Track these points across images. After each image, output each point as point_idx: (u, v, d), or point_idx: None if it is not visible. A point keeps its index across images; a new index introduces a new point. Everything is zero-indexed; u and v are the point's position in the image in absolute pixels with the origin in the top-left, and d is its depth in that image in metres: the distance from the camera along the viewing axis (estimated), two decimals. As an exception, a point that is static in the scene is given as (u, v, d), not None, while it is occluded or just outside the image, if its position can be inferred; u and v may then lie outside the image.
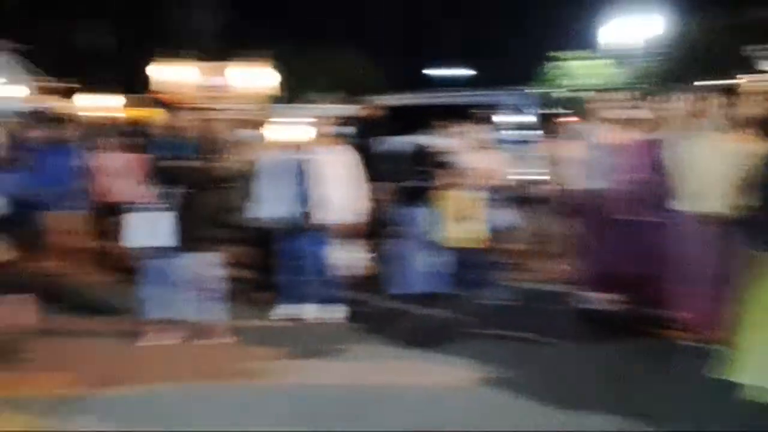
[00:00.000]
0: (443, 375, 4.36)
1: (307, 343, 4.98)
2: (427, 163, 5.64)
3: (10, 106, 9.96)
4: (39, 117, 7.82)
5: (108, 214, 6.57)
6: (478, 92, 9.02)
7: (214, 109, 8.57)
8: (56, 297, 5.68)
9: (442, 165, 5.61)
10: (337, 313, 5.52)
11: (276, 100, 13.54)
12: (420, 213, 5.53)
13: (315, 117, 6.17)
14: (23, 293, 4.77)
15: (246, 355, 4.74)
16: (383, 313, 5.64)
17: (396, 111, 8.14)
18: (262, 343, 4.92)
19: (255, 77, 14.64)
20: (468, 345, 4.83)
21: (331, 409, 3.88)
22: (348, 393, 4.09)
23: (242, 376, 4.38)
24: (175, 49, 15.37)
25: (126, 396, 4.07)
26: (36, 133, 6.89)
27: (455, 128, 6.25)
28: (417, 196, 5.56)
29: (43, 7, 20.27)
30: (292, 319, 5.48)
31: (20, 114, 8.34)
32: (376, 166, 5.99)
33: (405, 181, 5.67)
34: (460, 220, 5.50)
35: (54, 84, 15.35)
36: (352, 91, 11.71)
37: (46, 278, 5.82)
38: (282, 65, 15.52)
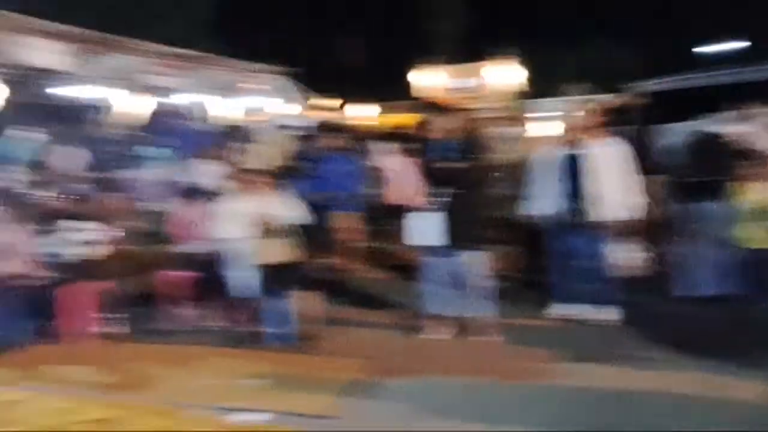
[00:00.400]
0: (727, 387, 3.92)
1: (581, 344, 4.81)
2: (716, 152, 5.07)
3: (291, 122, 11.22)
4: (319, 129, 8.67)
5: (385, 216, 7.07)
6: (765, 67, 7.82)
7: (473, 110, 8.71)
8: (342, 291, 6.26)
9: (737, 154, 5.00)
10: (613, 314, 5.24)
11: (528, 95, 13.37)
12: (709, 208, 4.99)
13: (576, 110, 5.91)
14: (313, 287, 5.29)
15: (518, 354, 4.73)
16: (664, 316, 5.23)
17: (666, 96, 7.45)
18: (533, 343, 4.87)
19: (505, 75, 14.64)
20: (759, 357, 4.25)
21: (603, 416, 3.72)
22: (621, 400, 3.88)
23: (515, 374, 4.38)
24: (427, 55, 16.03)
25: (410, 385, 4.31)
26: (318, 144, 7.66)
27: (750, 111, 5.52)
28: (704, 189, 5.03)
29: (305, 31, 22.66)
30: (565, 320, 5.34)
31: (300, 128, 9.32)
32: (652, 158, 5.56)
33: (687, 173, 5.17)
34: (759, 216, 4.85)
35: (322, 99, 17.00)
36: (610, 80, 11.07)
37: (333, 274, 6.44)
38: (529, 60, 15.30)
